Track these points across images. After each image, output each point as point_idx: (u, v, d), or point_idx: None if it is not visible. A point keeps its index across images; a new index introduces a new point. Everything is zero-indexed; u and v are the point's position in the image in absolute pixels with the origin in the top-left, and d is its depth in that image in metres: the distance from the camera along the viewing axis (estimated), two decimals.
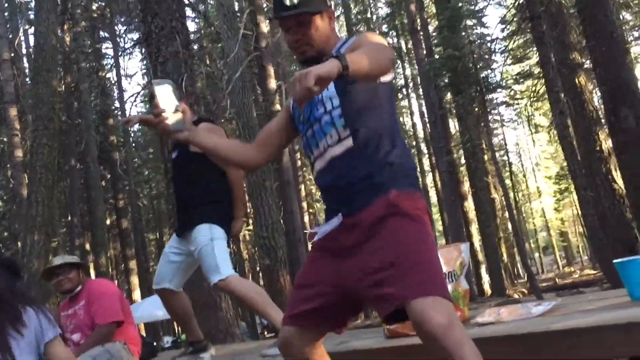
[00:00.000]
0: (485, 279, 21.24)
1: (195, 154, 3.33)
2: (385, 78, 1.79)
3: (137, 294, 21.36)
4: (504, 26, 19.05)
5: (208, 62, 12.64)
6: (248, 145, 2.00)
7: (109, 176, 24.08)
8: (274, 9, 1.85)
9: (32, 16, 19.32)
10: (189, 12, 15.22)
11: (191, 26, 23.09)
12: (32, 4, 18.27)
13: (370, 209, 1.68)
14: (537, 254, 49.36)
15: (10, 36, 18.18)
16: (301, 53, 1.85)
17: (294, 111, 1.96)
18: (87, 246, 20.76)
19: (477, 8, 21.86)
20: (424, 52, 21.18)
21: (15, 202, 16.76)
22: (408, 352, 2.18)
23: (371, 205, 1.68)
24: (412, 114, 32.34)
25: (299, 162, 24.66)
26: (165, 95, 1.78)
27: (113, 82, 25.67)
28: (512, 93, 23.27)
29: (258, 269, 23.22)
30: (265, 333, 18.78)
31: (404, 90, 30.58)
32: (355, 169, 1.73)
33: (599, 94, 13.23)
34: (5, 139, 17.96)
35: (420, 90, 25.56)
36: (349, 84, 1.74)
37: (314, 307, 1.77)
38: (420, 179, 1.88)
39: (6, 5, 18.36)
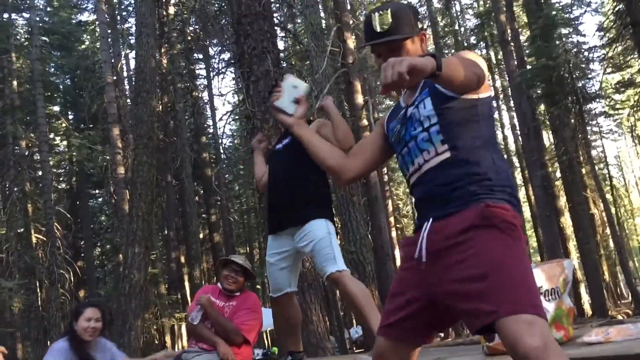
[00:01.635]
0: (586, 298, 20.13)
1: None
2: (484, 94, 1.77)
3: None
4: (602, 34, 18.20)
5: None
6: (344, 154, 2.01)
7: (202, 192, 24.98)
8: (365, 35, 1.87)
9: (132, 41, 20.55)
10: (278, 31, 15.61)
11: (280, 45, 23.68)
12: (133, 30, 19.45)
13: (461, 214, 1.64)
14: None
15: (113, 61, 19.40)
16: None
17: (388, 131, 1.95)
18: (182, 259, 21.58)
19: (572, 16, 21.01)
20: (515, 62, 20.56)
21: (117, 217, 17.73)
22: None
23: (463, 212, 1.65)
24: (502, 126, 31.40)
25: (386, 177, 24.53)
26: (291, 84, 1.90)
27: (206, 101, 26.73)
28: (612, 103, 22.12)
29: None
30: (354, 348, 18.71)
31: (494, 102, 29.82)
32: (452, 176, 1.71)
33: None
34: (108, 157, 19.08)
35: (512, 102, 24.81)
36: (447, 102, 1.74)
37: (405, 315, 1.75)
38: (517, 190, 1.83)
39: (109, 32, 19.62)
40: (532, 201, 25.58)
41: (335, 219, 3.66)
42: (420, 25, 1.87)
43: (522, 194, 29.93)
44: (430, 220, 1.70)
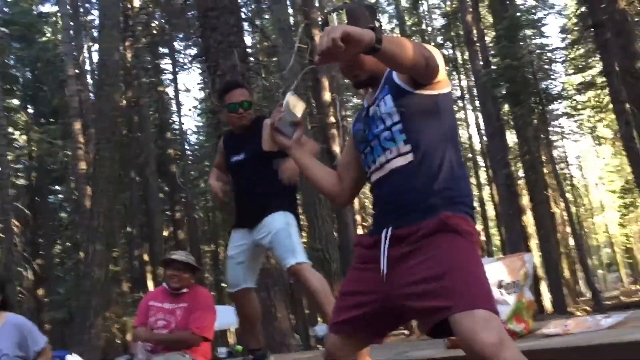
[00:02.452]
0: (546, 295, 20.54)
1: (269, 154, 3.33)
2: (444, 89, 1.75)
3: None
4: (564, 35, 18.60)
5: (264, 75, 12.85)
6: (338, 177, 1.98)
7: (167, 188, 24.68)
8: None
9: (95, 34, 20.14)
10: (246, 26, 15.51)
11: (248, 40, 23.49)
12: (96, 22, 19.08)
13: (420, 224, 1.64)
14: (600, 271, 47.54)
15: (75, 53, 18.96)
16: (354, 77, 1.84)
17: (354, 134, 1.93)
18: (145, 257, 21.27)
19: (536, 17, 21.38)
20: (481, 63, 20.85)
21: (78, 213, 17.37)
22: None
23: (422, 222, 1.64)
24: (468, 126, 31.81)
25: None
26: (292, 104, 1.87)
27: (171, 96, 26.40)
28: (573, 104, 22.60)
29: None
30: (319, 347, 18.71)
31: (459, 102, 30.19)
32: (413, 187, 1.70)
33: None
34: (69, 152, 18.68)
35: (477, 102, 25.17)
36: (407, 98, 1.72)
37: (356, 315, 1.74)
38: (474, 201, 1.84)
39: (71, 24, 19.17)
40: (495, 199, 25.98)
41: (301, 216, 3.62)
42: (377, 24, 1.85)
43: (486, 192, 30.42)
44: (390, 229, 1.69)
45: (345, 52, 1.42)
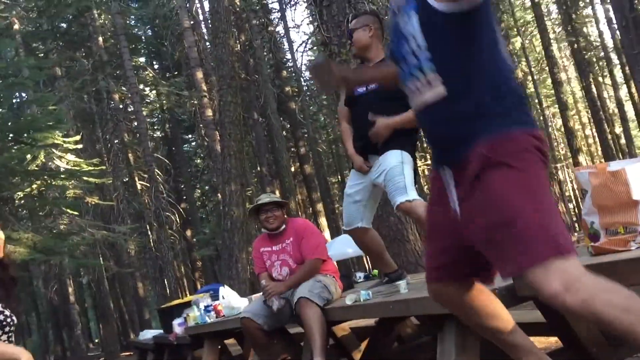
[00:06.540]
0: None
1: (389, 93, 3.34)
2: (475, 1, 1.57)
3: (327, 234, 22.52)
4: None
5: None
6: None
7: (289, 126, 25.31)
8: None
9: None
10: None
11: None
12: None
13: (467, 162, 1.58)
14: None
15: (188, 5, 19.58)
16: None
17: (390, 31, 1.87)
18: (277, 193, 22.21)
19: None
20: None
21: (211, 158, 18.40)
22: (613, 268, 2.03)
23: (468, 158, 1.58)
24: (597, 21, 29.16)
25: None
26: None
27: (282, 34, 26.59)
28: None
29: None
30: None
31: None
32: (448, 119, 1.64)
33: None
34: (195, 101, 19.63)
35: None
36: (435, 18, 1.59)
37: (445, 261, 1.77)
38: (523, 96, 1.68)
39: None
40: (635, 98, 23.96)
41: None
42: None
43: (623, 92, 28.10)
44: (449, 168, 1.69)
45: None
